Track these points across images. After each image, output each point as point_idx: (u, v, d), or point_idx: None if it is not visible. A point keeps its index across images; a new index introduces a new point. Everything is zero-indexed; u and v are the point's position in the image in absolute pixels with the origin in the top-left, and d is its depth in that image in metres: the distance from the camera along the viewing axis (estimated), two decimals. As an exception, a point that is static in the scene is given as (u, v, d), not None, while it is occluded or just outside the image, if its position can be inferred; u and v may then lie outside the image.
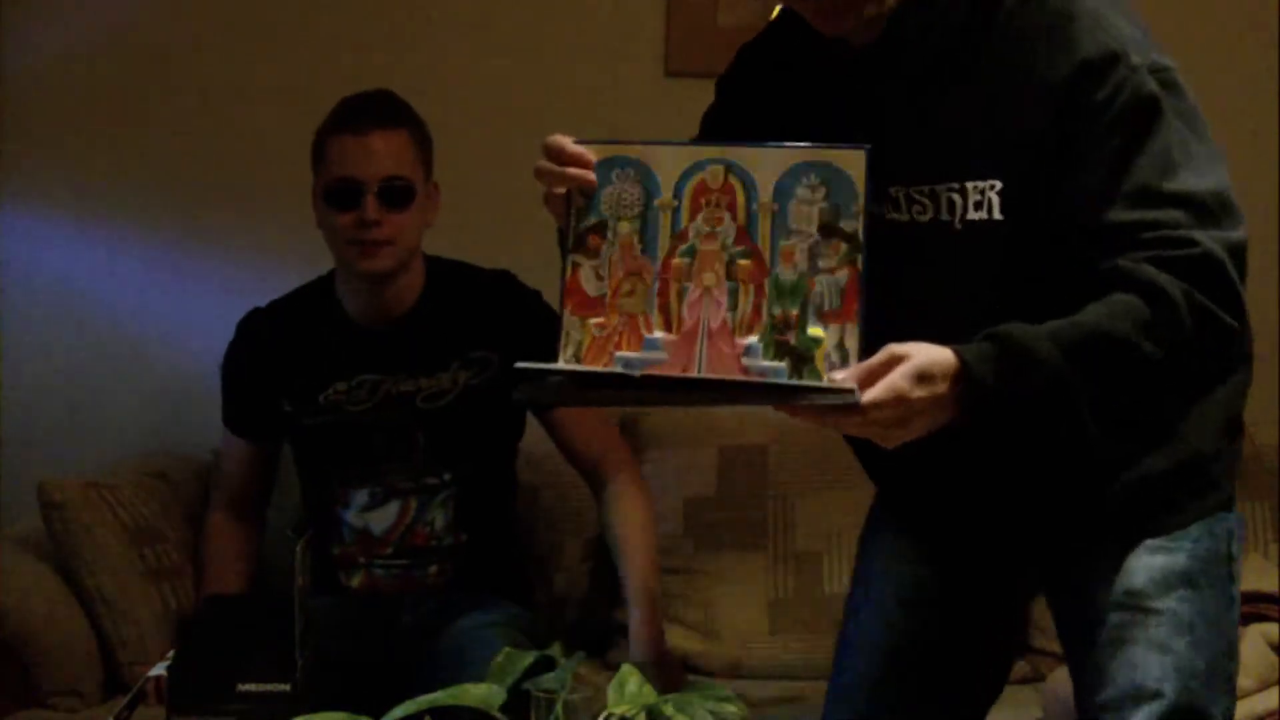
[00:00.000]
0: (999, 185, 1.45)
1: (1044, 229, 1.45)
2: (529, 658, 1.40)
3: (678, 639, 2.78)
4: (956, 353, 1.36)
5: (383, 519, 2.45)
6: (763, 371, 1.39)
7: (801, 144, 1.45)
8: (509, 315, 2.45)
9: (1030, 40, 1.45)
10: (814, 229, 1.42)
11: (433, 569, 2.45)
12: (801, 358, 1.40)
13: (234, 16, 3.16)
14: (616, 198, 1.48)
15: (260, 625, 1.69)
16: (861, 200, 1.41)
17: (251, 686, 1.64)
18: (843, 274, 1.41)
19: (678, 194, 1.46)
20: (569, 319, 1.47)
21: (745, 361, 1.40)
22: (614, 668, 2.67)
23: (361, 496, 2.46)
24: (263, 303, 2.60)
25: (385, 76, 3.17)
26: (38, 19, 3.10)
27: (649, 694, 1.32)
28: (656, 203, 1.47)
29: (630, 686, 1.33)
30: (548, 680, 1.34)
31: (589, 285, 1.48)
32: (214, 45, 3.17)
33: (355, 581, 2.47)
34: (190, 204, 3.16)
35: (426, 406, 2.44)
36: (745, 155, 1.45)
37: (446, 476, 2.45)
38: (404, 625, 2.41)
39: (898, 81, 1.51)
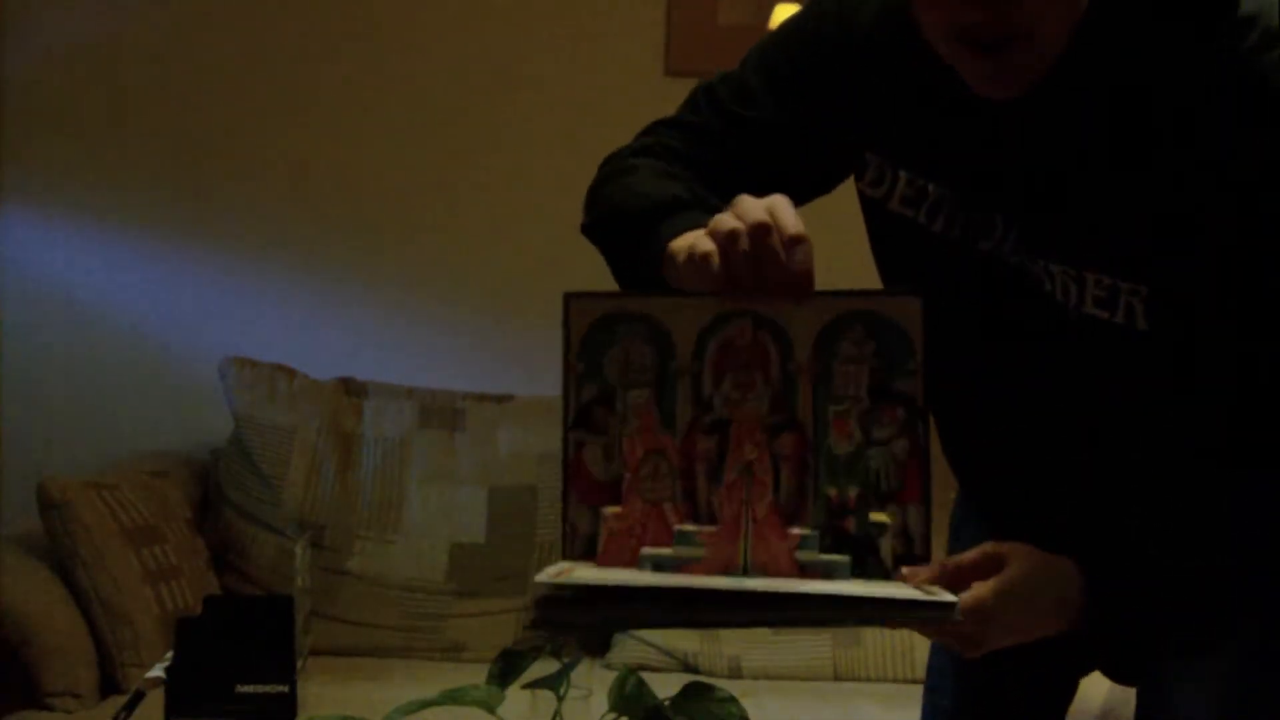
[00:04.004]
0: (1144, 290, 1.20)
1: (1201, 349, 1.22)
2: (529, 658, 1.39)
3: (678, 639, 2.78)
4: (1086, 590, 1.18)
5: None
6: (822, 567, 1.14)
7: (844, 291, 1.20)
8: None
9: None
10: (863, 393, 1.19)
11: None
12: (865, 548, 1.17)
13: (233, 17, 3.16)
14: (623, 362, 1.21)
15: (260, 625, 1.68)
16: (919, 356, 1.18)
17: (251, 687, 1.64)
18: (900, 446, 1.18)
19: (699, 356, 1.20)
20: (574, 507, 1.22)
21: (800, 556, 1.15)
22: (614, 668, 2.69)
23: None
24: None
25: (382, 76, 3.18)
26: (38, 19, 3.10)
27: (649, 695, 1.32)
28: (672, 368, 1.20)
29: (630, 688, 1.32)
30: (547, 680, 1.34)
31: (596, 468, 1.21)
32: (213, 45, 3.17)
33: None
34: (189, 204, 3.16)
35: None
36: (777, 307, 1.19)
37: None
38: None
39: (1040, 135, 1.25)
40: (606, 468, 1.21)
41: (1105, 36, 1.19)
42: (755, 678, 2.75)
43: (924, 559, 1.17)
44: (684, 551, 1.15)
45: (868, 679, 2.77)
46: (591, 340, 1.22)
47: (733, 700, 1.32)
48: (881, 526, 1.17)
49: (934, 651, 1.69)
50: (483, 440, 2.97)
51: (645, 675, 1.38)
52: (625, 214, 1.33)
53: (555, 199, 3.12)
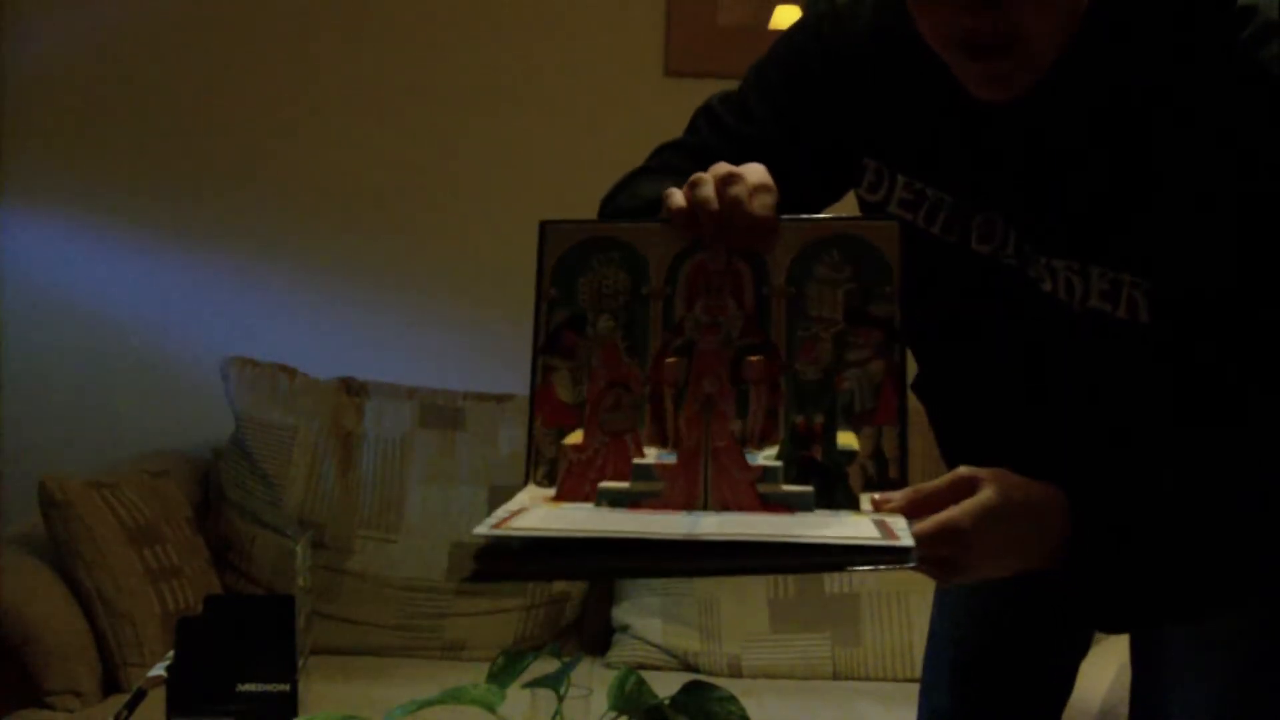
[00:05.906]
0: (1144, 285, 1.20)
1: (1202, 343, 1.21)
2: (529, 658, 1.40)
3: (678, 638, 2.78)
4: (1072, 515, 1.14)
5: None
6: (785, 500, 1.12)
7: (821, 216, 1.22)
8: None
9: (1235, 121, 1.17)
10: (839, 315, 1.18)
11: None
12: (832, 477, 1.14)
13: (234, 18, 3.16)
14: (596, 287, 1.22)
15: (261, 625, 1.68)
16: (896, 280, 1.18)
17: (251, 686, 1.64)
18: (876, 367, 1.17)
19: (671, 280, 1.21)
20: (540, 433, 1.20)
21: (763, 489, 1.12)
22: (614, 668, 2.69)
23: None
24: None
25: (382, 76, 3.18)
26: (38, 19, 3.11)
27: (649, 694, 1.32)
28: (645, 291, 1.21)
29: (630, 687, 1.32)
30: (547, 680, 1.34)
31: (564, 391, 1.21)
32: (214, 45, 3.17)
33: None
34: (190, 204, 3.16)
35: None
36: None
37: None
38: None
39: (1041, 135, 1.25)
40: (575, 392, 1.21)
41: (1105, 33, 1.20)
42: (755, 677, 2.75)
43: (898, 482, 1.15)
44: (641, 486, 1.13)
45: (867, 678, 2.77)
46: (565, 266, 1.23)
47: (732, 699, 1.32)
48: (850, 454, 1.14)
49: (930, 648, 1.69)
50: (483, 440, 2.97)
51: (645, 674, 1.39)
52: (625, 216, 1.36)
53: (556, 198, 3.13)
